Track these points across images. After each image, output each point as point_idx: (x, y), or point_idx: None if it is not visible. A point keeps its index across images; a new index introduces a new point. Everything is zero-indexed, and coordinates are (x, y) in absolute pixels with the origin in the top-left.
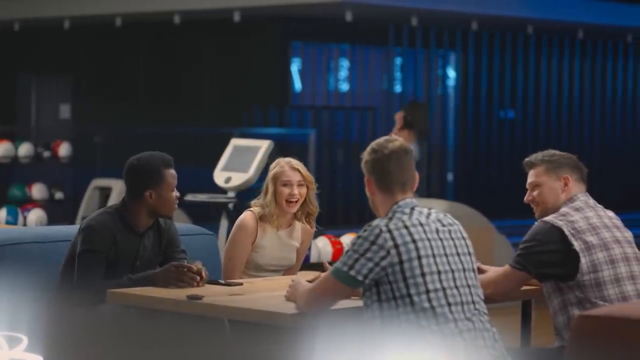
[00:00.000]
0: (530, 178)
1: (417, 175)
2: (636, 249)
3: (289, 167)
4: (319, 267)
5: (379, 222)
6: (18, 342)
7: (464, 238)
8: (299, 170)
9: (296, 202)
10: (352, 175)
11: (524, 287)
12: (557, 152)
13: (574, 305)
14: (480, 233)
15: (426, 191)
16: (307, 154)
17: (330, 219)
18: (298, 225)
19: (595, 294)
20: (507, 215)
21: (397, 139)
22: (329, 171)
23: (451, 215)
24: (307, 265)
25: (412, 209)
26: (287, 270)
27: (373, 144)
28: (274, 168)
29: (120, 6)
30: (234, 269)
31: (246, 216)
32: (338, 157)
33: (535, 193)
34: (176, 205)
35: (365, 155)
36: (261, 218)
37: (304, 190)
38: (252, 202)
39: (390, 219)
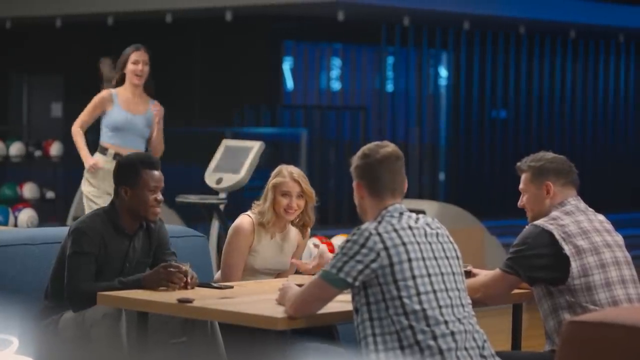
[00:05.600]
0: (520, 183)
1: (406, 180)
2: (627, 253)
3: (291, 178)
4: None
5: (368, 226)
6: (8, 344)
7: (451, 242)
8: (299, 183)
9: (294, 211)
10: (344, 174)
11: (515, 291)
12: (546, 155)
13: (564, 310)
14: (470, 234)
15: (418, 191)
16: (299, 154)
17: (322, 219)
18: (293, 230)
19: (586, 298)
20: (499, 215)
21: (388, 144)
22: (321, 170)
23: (442, 216)
24: None
25: (401, 214)
26: (280, 275)
27: (364, 149)
28: (276, 176)
29: (112, 5)
30: (234, 276)
31: (243, 220)
32: (330, 156)
33: (524, 198)
34: (157, 210)
35: (356, 160)
36: (258, 222)
37: (302, 202)
38: (254, 203)
39: (380, 222)
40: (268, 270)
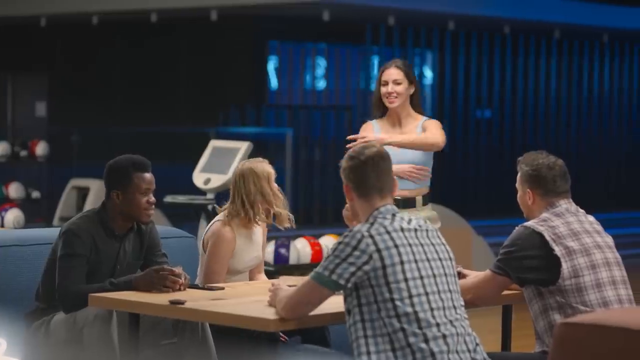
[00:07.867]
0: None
1: (396, 181)
2: (617, 254)
3: (271, 166)
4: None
5: (360, 228)
6: None
7: (443, 244)
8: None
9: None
10: (329, 174)
11: (505, 292)
12: (536, 159)
13: (554, 310)
14: (458, 234)
15: None
16: (284, 153)
17: (307, 219)
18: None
19: (577, 299)
20: (484, 215)
21: (373, 145)
22: (306, 170)
23: (429, 216)
24: (286, 267)
25: (393, 215)
26: (252, 269)
27: (350, 151)
28: (266, 169)
29: (96, 4)
30: (217, 281)
31: (223, 229)
32: (315, 155)
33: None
34: (150, 212)
35: (343, 163)
36: (235, 226)
37: None
38: (221, 211)
39: (372, 224)
40: (248, 267)
